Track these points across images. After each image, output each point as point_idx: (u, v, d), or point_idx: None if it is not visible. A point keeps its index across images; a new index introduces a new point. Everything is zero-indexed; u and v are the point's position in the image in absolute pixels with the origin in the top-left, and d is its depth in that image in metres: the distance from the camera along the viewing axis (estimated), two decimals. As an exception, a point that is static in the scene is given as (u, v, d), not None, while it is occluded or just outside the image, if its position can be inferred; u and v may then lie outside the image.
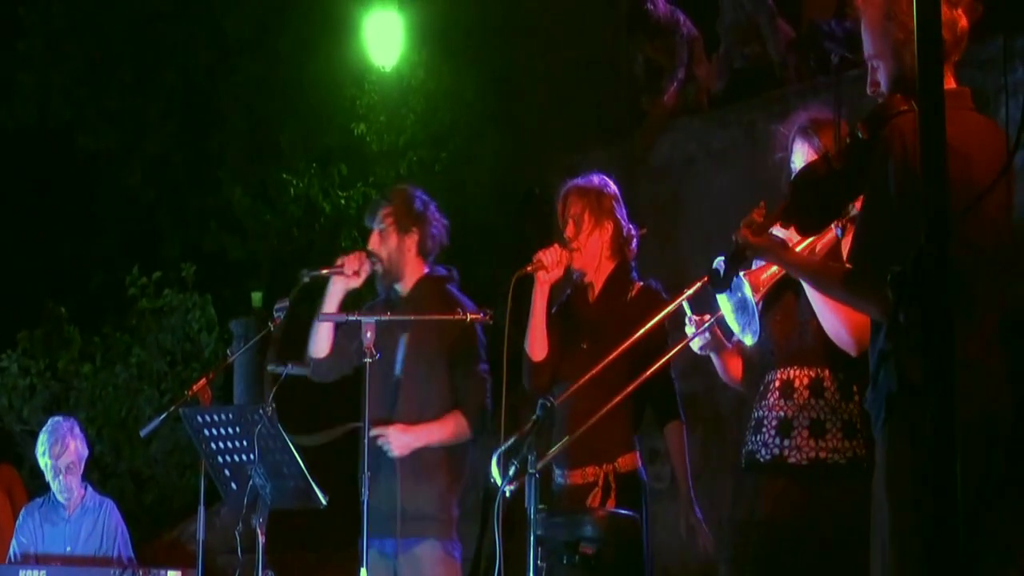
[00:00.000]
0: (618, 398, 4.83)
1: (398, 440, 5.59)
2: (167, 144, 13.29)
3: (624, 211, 5.55)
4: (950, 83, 3.77)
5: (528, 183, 10.13)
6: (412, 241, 5.85)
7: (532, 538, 4.55)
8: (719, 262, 4.12)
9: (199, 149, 13.16)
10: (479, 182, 10.93)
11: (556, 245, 5.41)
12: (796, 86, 9.04)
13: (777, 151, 4.76)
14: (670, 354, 4.87)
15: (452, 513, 5.74)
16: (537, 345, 5.44)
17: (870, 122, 3.64)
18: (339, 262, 5.74)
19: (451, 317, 5.54)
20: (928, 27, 2.63)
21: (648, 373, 4.85)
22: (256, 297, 10.43)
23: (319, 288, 5.91)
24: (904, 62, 3.69)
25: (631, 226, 5.54)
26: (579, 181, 5.55)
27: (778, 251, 4.11)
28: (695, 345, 4.80)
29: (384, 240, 5.86)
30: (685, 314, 4.83)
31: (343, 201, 11.32)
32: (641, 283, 5.48)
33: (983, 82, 3.95)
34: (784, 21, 9.70)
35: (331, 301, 5.78)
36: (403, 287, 5.88)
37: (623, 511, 5.09)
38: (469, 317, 5.45)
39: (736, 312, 4.35)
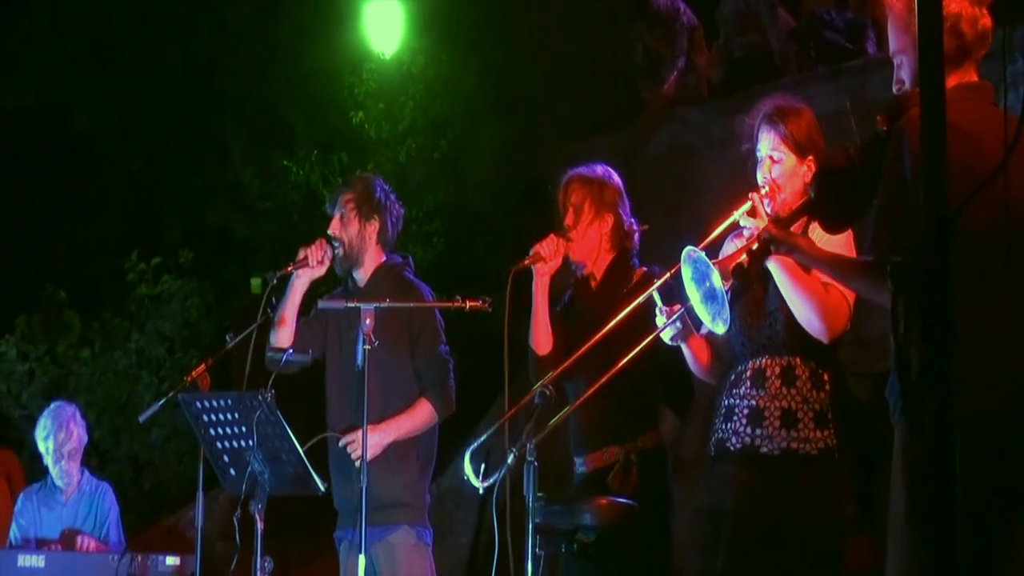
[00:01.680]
0: (608, 374, 4.78)
1: (368, 442, 5.51)
2: (168, 127, 13.28)
3: (627, 205, 5.51)
4: (972, 77, 3.80)
5: (527, 172, 10.12)
6: (373, 229, 5.88)
7: (530, 527, 4.54)
8: (692, 253, 4.14)
9: (200, 132, 13.16)
10: (478, 170, 10.96)
11: (552, 235, 5.36)
12: (796, 75, 9.03)
13: (743, 142, 4.75)
14: (640, 345, 4.77)
15: (424, 499, 5.76)
16: (541, 339, 5.41)
17: (889, 115, 3.64)
18: (301, 254, 5.77)
19: (449, 305, 5.51)
20: (929, 22, 2.64)
21: (623, 362, 4.78)
22: (255, 283, 10.43)
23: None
24: None
25: (633, 221, 5.50)
26: (582, 170, 5.50)
27: (804, 246, 4.12)
28: (666, 336, 4.75)
29: (345, 225, 5.88)
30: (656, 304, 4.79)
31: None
32: (643, 269, 5.43)
33: (984, 73, 3.96)
34: (784, 10, 9.69)
35: (296, 294, 5.80)
36: (362, 275, 5.91)
37: (622, 499, 5.07)
38: (468, 305, 5.39)
39: (705, 302, 4.33)
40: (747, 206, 4.44)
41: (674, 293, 4.68)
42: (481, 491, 4.69)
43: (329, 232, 5.89)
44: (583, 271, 5.50)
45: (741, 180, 4.80)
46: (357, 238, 5.87)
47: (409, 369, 5.73)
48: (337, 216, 5.91)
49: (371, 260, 5.90)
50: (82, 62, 13.20)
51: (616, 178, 5.52)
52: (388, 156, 11.21)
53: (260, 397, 5.33)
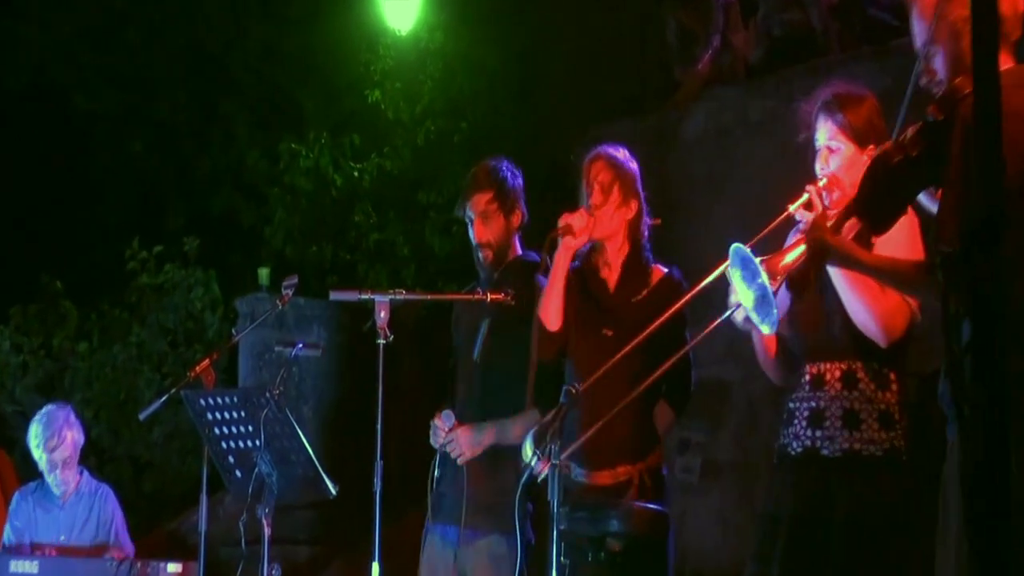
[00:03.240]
0: (640, 388, 4.78)
1: (467, 441, 5.58)
2: (172, 109, 13.32)
3: (644, 195, 5.52)
4: (1008, 62, 3.78)
5: (552, 157, 10.10)
6: (517, 219, 5.82)
7: (555, 533, 4.54)
8: (740, 252, 4.13)
9: (207, 115, 13.19)
10: (500, 155, 10.85)
11: (583, 210, 5.38)
12: (839, 55, 9.01)
13: (800, 130, 4.74)
14: (716, 323, 4.69)
15: (521, 508, 5.65)
16: (554, 313, 5.38)
17: (943, 104, 3.63)
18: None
19: (470, 298, 5.55)
20: (984, 8, 2.62)
21: (673, 360, 4.78)
22: (263, 274, 10.44)
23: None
24: (962, 44, 3.68)
25: (646, 214, 5.53)
26: (608, 149, 5.51)
27: (855, 252, 4.12)
28: (738, 316, 4.64)
29: (490, 227, 5.79)
30: (711, 303, 4.77)
31: (356, 174, 11.32)
32: (664, 271, 5.46)
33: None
34: (826, -14, 9.66)
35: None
36: (495, 250, 5.83)
37: (652, 505, 5.08)
38: (490, 297, 5.40)
39: (757, 303, 4.33)
40: (803, 199, 4.46)
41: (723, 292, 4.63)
42: (543, 477, 4.64)
43: (475, 242, 5.80)
44: (599, 257, 5.51)
45: (782, 165, 4.78)
46: (504, 236, 5.80)
47: (522, 373, 5.66)
48: (478, 220, 5.78)
49: (504, 239, 5.82)
50: (82, 40, 13.23)
51: (635, 162, 5.54)
52: (405, 139, 11.21)
53: (268, 394, 5.36)
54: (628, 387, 4.84)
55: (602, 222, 5.39)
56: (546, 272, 5.70)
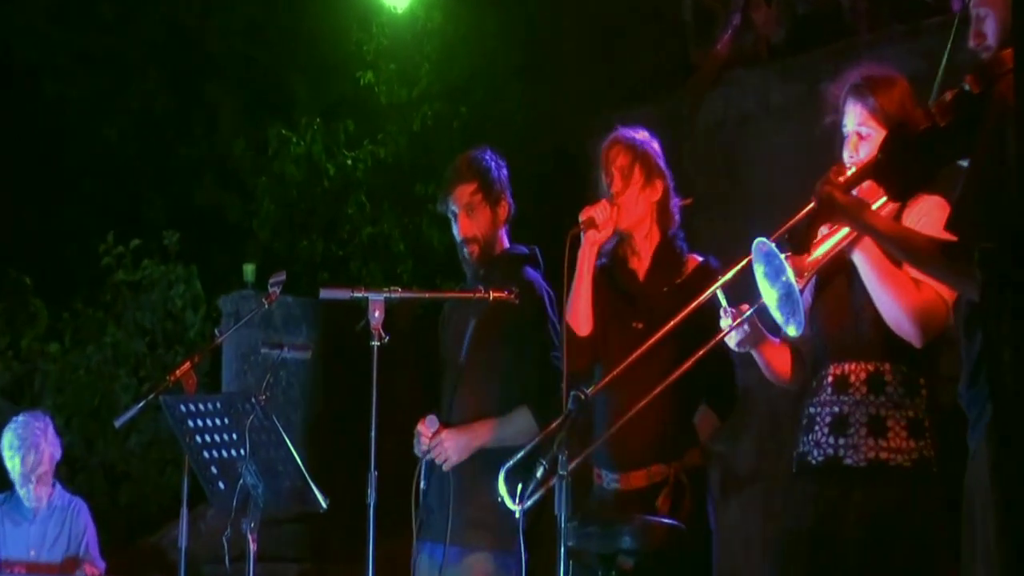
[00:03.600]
0: (668, 380, 4.82)
1: (453, 444, 5.64)
2: (151, 92, 13.30)
3: (670, 175, 5.55)
4: None
5: (559, 145, 10.10)
6: (503, 211, 5.90)
7: (562, 551, 4.56)
8: (763, 246, 4.11)
9: (188, 99, 13.18)
10: (503, 142, 10.67)
11: (604, 201, 5.41)
12: (868, 35, 9.00)
13: (827, 114, 4.76)
14: (699, 353, 4.80)
15: (512, 521, 5.69)
16: (583, 317, 5.41)
17: (981, 76, 3.60)
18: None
19: (471, 296, 5.57)
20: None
21: (681, 370, 4.82)
22: (248, 270, 10.44)
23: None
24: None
25: (674, 194, 5.56)
26: (625, 132, 5.53)
27: (866, 212, 4.13)
28: (731, 341, 4.76)
29: (476, 221, 5.87)
30: (745, 295, 4.77)
31: (349, 162, 11.31)
32: (700, 260, 5.48)
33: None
34: (855, -39, 9.66)
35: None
36: (482, 245, 5.91)
37: (665, 519, 5.08)
38: (492, 296, 5.41)
39: (781, 301, 4.34)
40: None
41: (736, 290, 4.71)
42: (518, 514, 4.79)
43: (460, 238, 5.88)
44: (628, 246, 5.53)
45: (807, 154, 4.79)
46: (491, 229, 5.89)
47: (511, 373, 5.75)
48: (463, 214, 5.87)
49: (500, 242, 5.92)
50: (50, 17, 13.21)
51: (657, 142, 5.57)
52: (401, 125, 11.21)
53: (253, 400, 5.36)
54: (656, 384, 4.86)
55: (626, 209, 5.42)
56: (535, 264, 5.84)
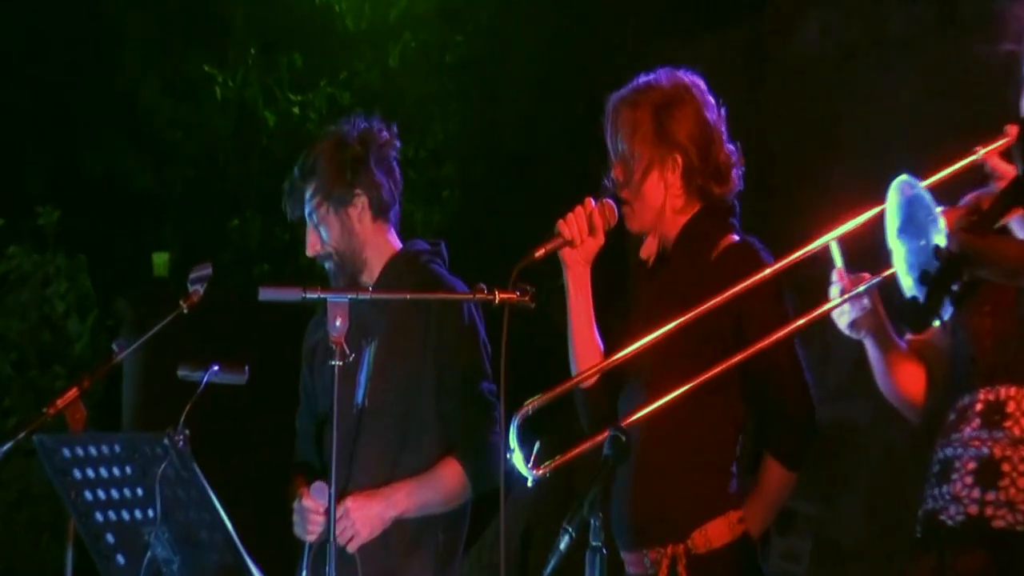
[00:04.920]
0: (674, 394, 4.83)
1: (362, 516, 5.74)
2: (30, 17, 13.23)
3: (718, 116, 5.52)
4: None
5: (590, 91, 10.01)
6: (359, 209, 6.04)
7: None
8: (908, 188, 4.07)
9: (80, 28, 13.09)
10: (513, 86, 11.01)
11: (588, 201, 5.42)
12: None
13: (1006, 40, 4.72)
14: (790, 327, 4.84)
15: None
16: (585, 360, 5.45)
17: None
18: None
19: (470, 297, 5.61)
20: None
21: (741, 356, 4.84)
22: (160, 261, 10.43)
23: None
24: None
25: (728, 147, 5.52)
26: (633, 87, 5.54)
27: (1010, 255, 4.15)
28: (841, 320, 4.77)
29: (327, 231, 6.04)
30: (832, 283, 4.76)
31: (296, 109, 11.43)
32: (735, 239, 5.47)
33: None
34: None
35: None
36: (367, 277, 6.07)
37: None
38: (499, 297, 5.37)
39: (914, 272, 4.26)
40: (1000, 143, 4.46)
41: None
42: (530, 482, 4.86)
43: (309, 254, 6.11)
44: (641, 254, 5.58)
45: (940, 102, 4.72)
46: (346, 237, 6.02)
47: (431, 414, 5.89)
48: (310, 228, 6.07)
49: (376, 251, 6.07)
50: None
51: (697, 88, 5.53)
52: (372, 59, 11.34)
53: (166, 441, 5.38)
54: (684, 423, 5.03)
55: (634, 205, 5.46)
56: (441, 259, 6.05)
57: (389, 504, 5.76)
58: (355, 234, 6.00)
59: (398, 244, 6.08)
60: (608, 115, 5.54)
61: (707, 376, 4.83)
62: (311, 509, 5.73)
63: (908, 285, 4.21)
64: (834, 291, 4.72)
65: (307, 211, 6.04)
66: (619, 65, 9.38)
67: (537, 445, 4.87)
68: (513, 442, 4.86)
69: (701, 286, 5.14)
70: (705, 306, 4.92)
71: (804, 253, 4.78)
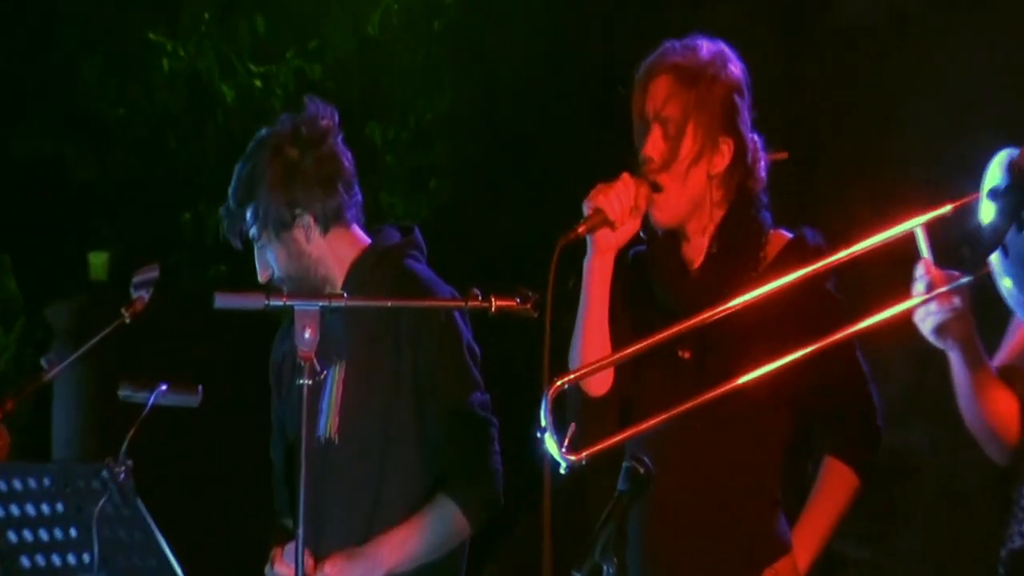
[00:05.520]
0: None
1: None
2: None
3: (748, 107, 5.55)
4: None
5: (604, 61, 9.98)
6: (303, 230, 6.06)
7: None
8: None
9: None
10: (514, 55, 10.97)
11: (626, 176, 5.36)
12: None
13: None
14: (858, 326, 4.80)
15: None
16: (596, 367, 5.39)
17: None
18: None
19: (462, 304, 5.56)
20: None
21: (806, 351, 4.78)
22: (98, 261, 10.36)
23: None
24: None
25: (755, 137, 5.54)
26: (677, 52, 5.50)
27: None
28: (926, 323, 4.72)
29: (272, 253, 6.08)
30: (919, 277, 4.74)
31: (258, 83, 11.43)
32: (789, 236, 5.51)
33: None
34: None
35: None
36: (336, 282, 6.09)
37: None
38: (496, 304, 5.33)
39: (1018, 283, 4.37)
40: None
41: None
42: (563, 469, 4.81)
43: (261, 280, 6.11)
44: (679, 241, 5.55)
45: (1015, 71, 4.63)
46: (295, 260, 6.06)
47: (414, 438, 5.91)
48: (256, 252, 6.11)
49: (336, 259, 6.10)
50: None
51: (735, 65, 5.55)
52: (347, 26, 11.30)
53: (106, 473, 5.41)
54: (722, 446, 5.13)
55: (671, 193, 5.41)
56: (419, 255, 6.12)
57: (373, 564, 5.77)
58: (305, 255, 6.04)
59: (365, 241, 6.10)
60: (643, 82, 5.47)
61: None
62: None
63: (1009, 288, 4.38)
64: (919, 287, 4.68)
65: (249, 236, 6.08)
66: (635, 30, 9.35)
67: (572, 427, 4.80)
68: (544, 420, 4.77)
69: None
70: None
71: (882, 241, 4.69)
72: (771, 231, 5.50)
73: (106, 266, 10.52)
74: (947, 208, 4.59)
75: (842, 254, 4.81)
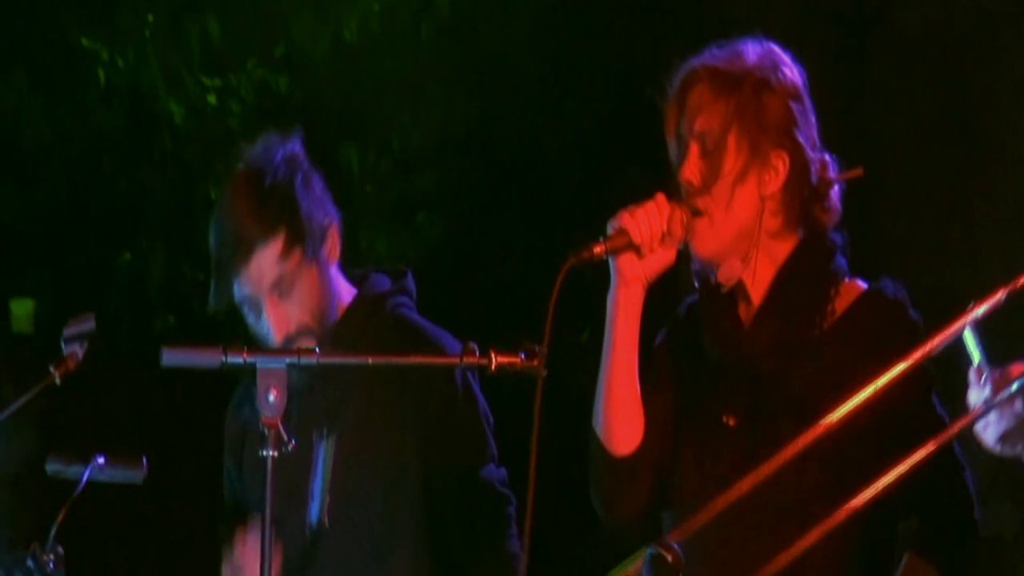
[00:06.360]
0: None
1: None
2: None
3: (813, 120, 5.56)
4: None
5: (625, 73, 10.08)
6: (330, 247, 6.28)
7: None
8: None
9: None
10: (516, 66, 11.03)
11: (660, 197, 5.39)
12: None
13: None
14: (925, 450, 4.70)
15: None
16: (620, 420, 5.46)
17: None
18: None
19: (455, 361, 5.43)
20: None
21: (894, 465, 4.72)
22: (21, 311, 10.45)
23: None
24: None
25: (825, 156, 5.55)
26: (716, 51, 5.54)
27: None
28: (988, 433, 4.78)
29: (296, 295, 6.12)
30: (970, 361, 4.75)
31: (212, 98, 11.48)
32: (864, 287, 5.51)
33: None
34: None
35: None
36: (320, 332, 6.13)
37: None
38: (496, 361, 5.22)
39: None
40: None
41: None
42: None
43: (279, 341, 6.08)
44: (719, 279, 5.54)
45: None
46: (328, 286, 6.18)
47: (419, 518, 5.90)
48: (271, 300, 6.11)
49: (328, 300, 6.19)
50: None
51: (791, 69, 5.58)
52: (319, 31, 11.35)
53: (31, 562, 5.53)
54: (785, 525, 4.98)
55: (714, 219, 5.43)
56: (409, 300, 6.16)
57: None
58: (328, 279, 6.15)
59: (346, 289, 6.17)
60: (678, 94, 5.49)
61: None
62: None
63: None
64: (974, 396, 4.72)
65: (270, 278, 6.07)
66: (659, 36, 9.44)
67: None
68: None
69: (822, 357, 5.22)
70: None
71: (961, 325, 4.70)
72: (845, 281, 5.51)
73: (31, 317, 10.60)
74: (1000, 295, 4.65)
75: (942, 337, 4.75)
